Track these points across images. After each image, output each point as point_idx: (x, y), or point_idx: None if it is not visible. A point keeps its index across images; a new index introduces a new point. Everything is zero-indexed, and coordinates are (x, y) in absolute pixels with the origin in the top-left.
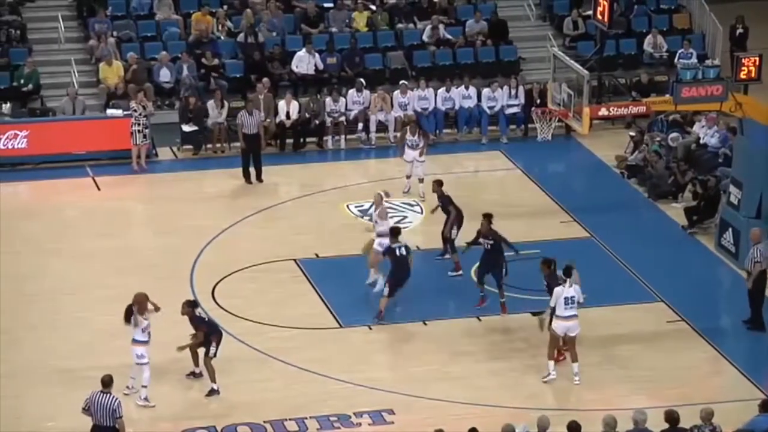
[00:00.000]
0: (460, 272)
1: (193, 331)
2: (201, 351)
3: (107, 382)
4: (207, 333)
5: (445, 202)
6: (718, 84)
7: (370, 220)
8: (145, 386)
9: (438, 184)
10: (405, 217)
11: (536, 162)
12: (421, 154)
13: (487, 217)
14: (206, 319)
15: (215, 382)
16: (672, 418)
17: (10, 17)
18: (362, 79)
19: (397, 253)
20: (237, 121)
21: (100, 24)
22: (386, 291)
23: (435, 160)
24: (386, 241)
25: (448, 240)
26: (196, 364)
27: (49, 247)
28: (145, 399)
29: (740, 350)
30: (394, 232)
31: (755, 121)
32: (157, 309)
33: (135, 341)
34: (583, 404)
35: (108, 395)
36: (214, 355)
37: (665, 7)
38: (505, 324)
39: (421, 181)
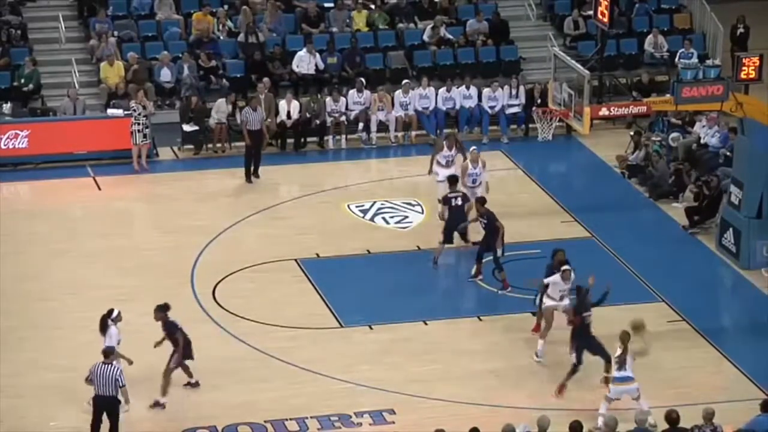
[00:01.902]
0: (509, 289)
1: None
2: (188, 361)
3: (107, 353)
4: (180, 340)
5: (492, 219)
6: (718, 84)
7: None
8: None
9: (481, 202)
10: (406, 216)
11: (537, 162)
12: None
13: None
14: (178, 325)
15: (165, 396)
16: (671, 418)
17: (11, 17)
18: (362, 79)
19: (453, 203)
20: (241, 117)
21: (100, 24)
22: (441, 237)
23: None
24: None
25: (494, 258)
26: (190, 374)
27: (51, 247)
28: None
29: (741, 350)
30: (452, 181)
31: (756, 121)
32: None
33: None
34: (584, 404)
35: (110, 365)
36: (176, 367)
37: (666, 7)
38: (506, 324)
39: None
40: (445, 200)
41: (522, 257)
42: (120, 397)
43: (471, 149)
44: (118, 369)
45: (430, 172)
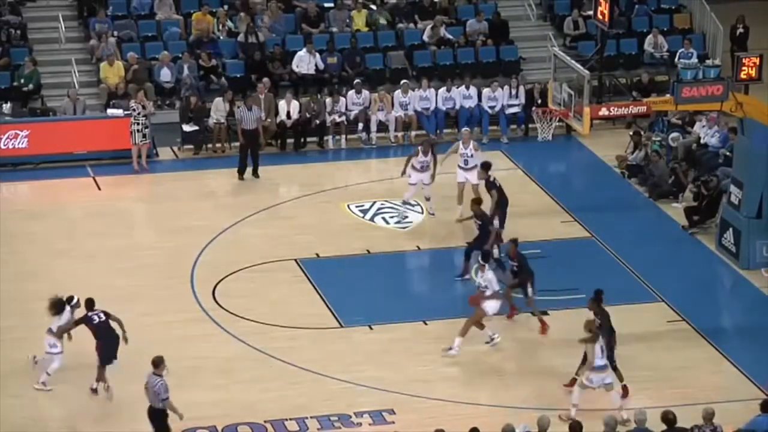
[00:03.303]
0: (467, 277)
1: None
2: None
3: (156, 363)
4: (95, 334)
5: (486, 221)
6: (718, 84)
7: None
8: (49, 374)
9: (477, 202)
10: (405, 217)
11: (537, 162)
12: (432, 178)
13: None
14: (96, 321)
15: (98, 381)
16: (667, 419)
17: (11, 17)
18: (360, 80)
19: (497, 183)
20: (236, 116)
21: (100, 24)
22: (496, 223)
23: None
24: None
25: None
26: (99, 379)
27: (50, 247)
28: (43, 383)
29: (741, 350)
30: (485, 167)
31: (756, 121)
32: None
33: (53, 332)
34: (584, 404)
35: (155, 377)
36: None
37: (666, 7)
38: (506, 324)
39: (428, 199)
40: (492, 185)
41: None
42: (163, 408)
43: (463, 129)
44: (159, 382)
45: (404, 173)
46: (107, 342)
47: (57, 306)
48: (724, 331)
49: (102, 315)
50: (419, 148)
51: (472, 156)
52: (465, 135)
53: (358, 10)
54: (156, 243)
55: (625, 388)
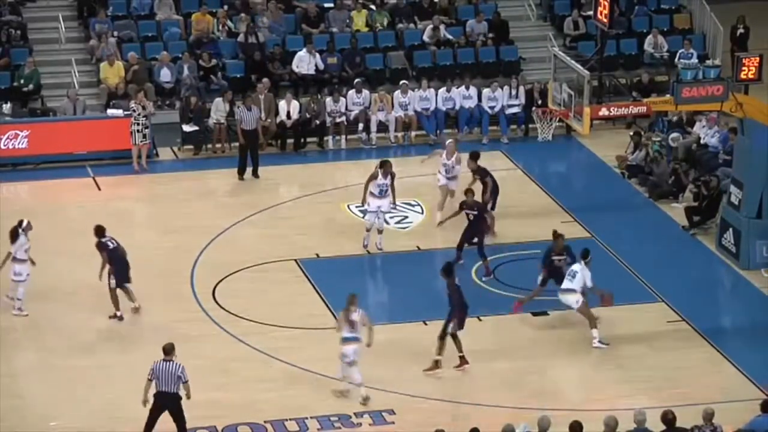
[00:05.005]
0: (492, 276)
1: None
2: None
3: (168, 350)
4: (109, 260)
5: (482, 210)
6: (718, 84)
7: (447, 172)
8: (20, 299)
9: (470, 193)
10: (406, 217)
11: (537, 162)
12: (392, 202)
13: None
14: (111, 246)
15: (119, 310)
16: (667, 419)
17: (11, 17)
18: (360, 80)
19: (488, 170)
20: (236, 116)
21: (100, 24)
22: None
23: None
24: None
25: (479, 246)
26: (131, 298)
27: (50, 247)
28: (19, 309)
29: (741, 350)
30: (474, 157)
31: (756, 121)
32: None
33: (16, 260)
34: (583, 404)
35: (171, 362)
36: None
37: (666, 7)
38: (506, 324)
39: (380, 231)
40: (486, 174)
41: (522, 257)
42: (181, 392)
43: (448, 142)
44: (179, 365)
45: (364, 201)
46: (120, 266)
47: (12, 234)
48: (724, 331)
49: (114, 242)
50: (379, 170)
51: (453, 167)
52: (450, 147)
53: (358, 11)
54: (156, 243)
55: (462, 359)
